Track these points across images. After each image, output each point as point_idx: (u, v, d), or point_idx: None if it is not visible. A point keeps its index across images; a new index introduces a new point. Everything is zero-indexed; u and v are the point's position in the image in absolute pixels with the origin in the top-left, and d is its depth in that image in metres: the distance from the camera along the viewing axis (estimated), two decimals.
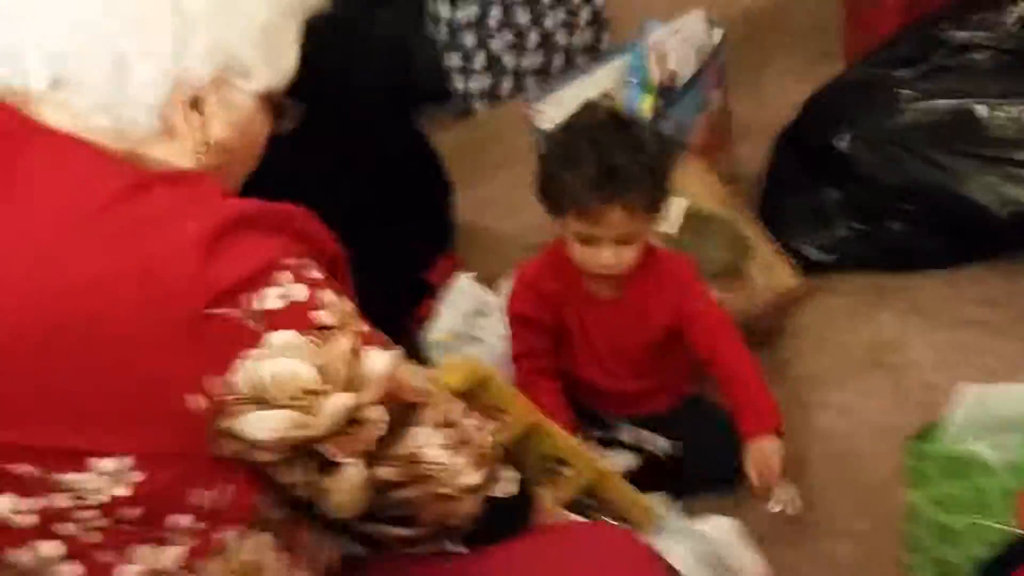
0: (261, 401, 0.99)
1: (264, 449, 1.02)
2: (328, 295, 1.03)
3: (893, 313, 2.32)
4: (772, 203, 2.50)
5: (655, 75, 2.43)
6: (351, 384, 1.03)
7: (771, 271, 2.26)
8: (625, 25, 3.10)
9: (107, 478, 0.97)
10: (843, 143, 2.41)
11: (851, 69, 2.61)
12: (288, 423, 1.00)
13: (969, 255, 2.38)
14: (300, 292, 1.00)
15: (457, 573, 1.26)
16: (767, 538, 1.93)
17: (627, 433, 1.99)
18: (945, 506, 1.44)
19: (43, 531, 1.00)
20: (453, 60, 2.99)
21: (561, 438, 1.70)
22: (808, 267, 2.34)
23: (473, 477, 1.19)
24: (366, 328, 1.07)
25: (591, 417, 2.01)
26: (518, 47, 3.05)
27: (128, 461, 0.97)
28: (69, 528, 1.00)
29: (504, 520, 1.25)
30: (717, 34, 2.50)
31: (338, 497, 1.09)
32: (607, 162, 1.76)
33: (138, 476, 0.98)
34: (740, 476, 1.97)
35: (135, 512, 1.00)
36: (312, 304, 1.01)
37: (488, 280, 2.31)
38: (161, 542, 1.02)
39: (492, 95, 3.07)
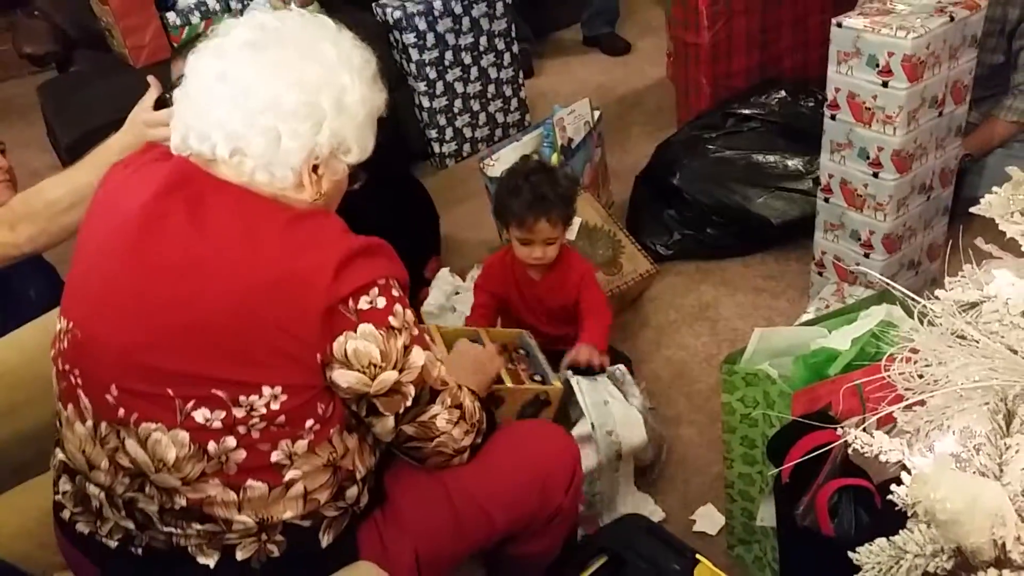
0: (346, 364, 1.02)
1: (342, 391, 1.04)
2: (397, 307, 1.05)
3: (710, 285, 2.33)
4: (635, 219, 2.50)
5: (560, 140, 2.42)
6: (398, 366, 1.05)
7: (635, 261, 2.26)
8: (541, 108, 3.10)
9: (267, 398, 1.00)
10: (676, 179, 2.41)
11: (679, 133, 2.60)
12: (356, 380, 1.03)
13: (756, 247, 2.40)
14: (381, 302, 1.03)
15: None
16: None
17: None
18: (746, 403, 1.45)
19: (225, 431, 1.01)
20: (432, 134, 2.96)
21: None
22: (657, 258, 2.34)
23: (465, 442, 1.18)
24: (416, 332, 1.08)
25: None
26: (473, 124, 3.03)
27: (279, 389, 1.00)
28: (240, 429, 1.01)
29: (481, 447, 1.23)
30: (596, 113, 2.49)
31: (377, 430, 1.11)
32: (537, 191, 1.78)
33: (284, 397, 1.01)
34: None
35: (281, 418, 1.02)
36: (387, 311, 1.04)
37: (460, 272, 2.30)
38: (295, 437, 1.04)
39: (458, 155, 3.04)
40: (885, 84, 1.75)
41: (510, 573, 1.38)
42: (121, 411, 1.03)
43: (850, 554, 0.84)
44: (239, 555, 1.07)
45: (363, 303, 1.01)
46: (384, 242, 1.07)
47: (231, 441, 1.01)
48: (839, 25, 1.79)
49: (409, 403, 1.09)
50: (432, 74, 2.86)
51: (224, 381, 0.99)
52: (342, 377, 1.03)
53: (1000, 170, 1.07)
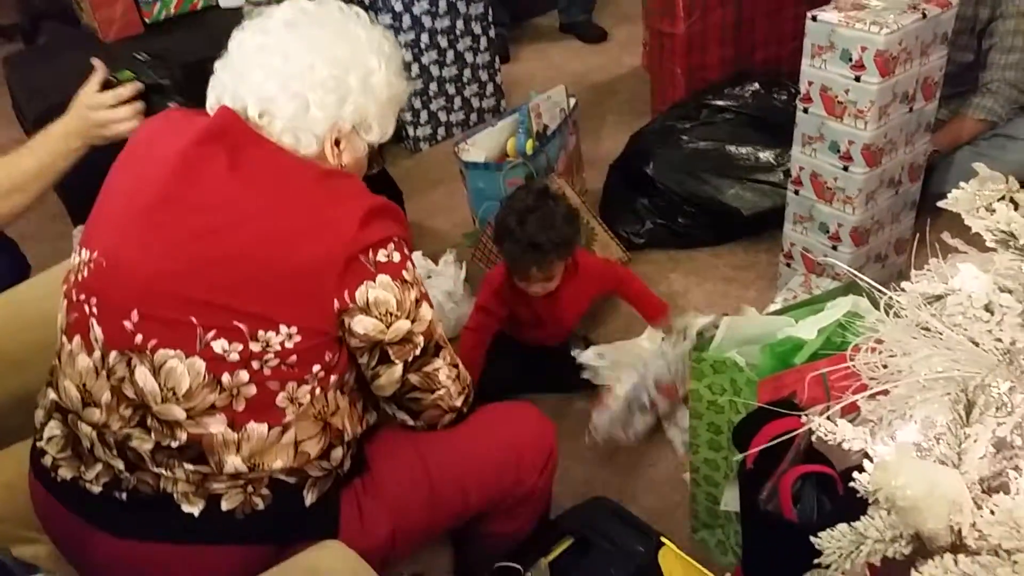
0: (365, 311, 1.08)
1: (356, 338, 1.10)
2: (410, 264, 1.12)
3: (680, 274, 2.35)
4: (608, 207, 2.50)
5: (535, 126, 2.42)
6: (411, 317, 1.11)
7: (607, 249, 2.27)
8: (517, 94, 3.10)
9: (283, 336, 1.04)
10: (649, 169, 2.42)
11: (654, 122, 2.61)
12: (373, 327, 1.09)
13: (726, 238, 2.41)
14: (396, 257, 1.10)
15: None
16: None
17: None
18: (713, 390, 1.46)
19: (240, 364, 1.04)
20: (407, 117, 2.94)
21: None
22: (629, 247, 2.36)
23: (458, 402, 1.23)
24: (424, 290, 1.16)
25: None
26: (448, 108, 3.01)
27: (295, 329, 1.04)
28: (255, 364, 1.04)
29: (463, 419, 1.27)
30: (572, 101, 2.49)
31: (382, 381, 1.15)
32: (532, 239, 1.75)
33: (299, 338, 1.06)
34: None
35: (293, 358, 1.05)
36: (401, 266, 1.10)
37: (433, 256, 2.29)
38: (301, 381, 1.08)
39: (432, 139, 3.02)
40: (857, 79, 1.77)
41: (478, 552, 1.39)
42: (139, 337, 1.05)
43: (812, 539, 0.86)
44: (224, 505, 1.09)
45: (381, 256, 1.08)
46: (396, 205, 1.14)
47: (244, 375, 1.05)
48: (814, 19, 1.80)
49: (418, 352, 1.14)
50: (408, 56, 2.84)
51: (246, 314, 1.03)
52: (360, 324, 1.08)
53: (967, 166, 1.09)
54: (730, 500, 1.44)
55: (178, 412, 1.05)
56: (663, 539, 1.29)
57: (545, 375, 1.99)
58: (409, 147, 3.00)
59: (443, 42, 2.90)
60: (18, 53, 3.09)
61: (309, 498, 1.14)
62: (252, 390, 1.05)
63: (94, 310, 1.09)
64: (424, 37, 2.85)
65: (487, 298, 1.93)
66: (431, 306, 1.15)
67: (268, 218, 1.05)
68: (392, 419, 1.25)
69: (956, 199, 0.98)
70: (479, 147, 2.38)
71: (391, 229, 1.10)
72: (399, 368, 1.14)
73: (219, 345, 1.03)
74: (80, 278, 1.11)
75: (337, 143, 1.14)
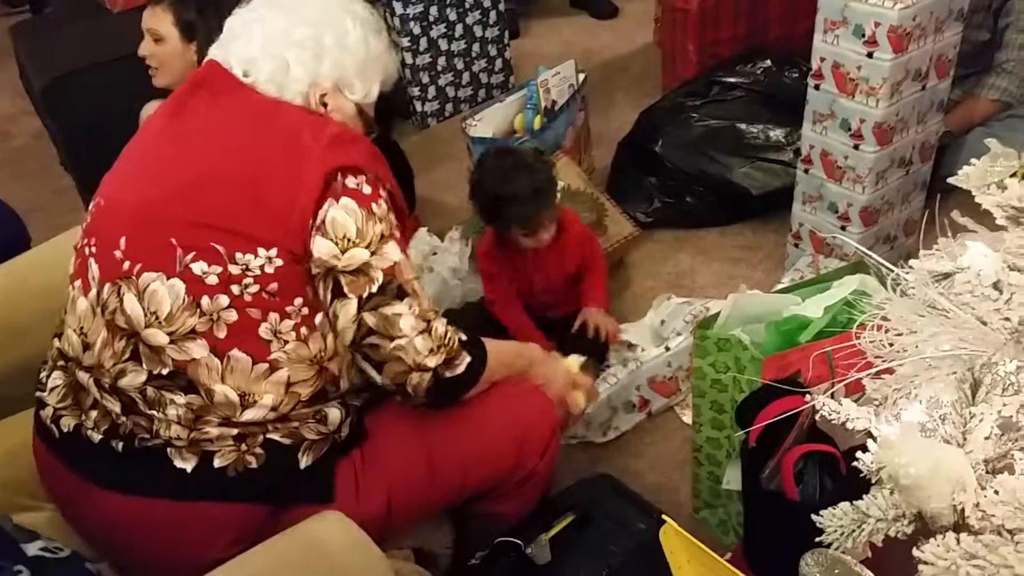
0: (322, 231, 1.08)
1: (315, 265, 1.09)
2: (382, 202, 1.12)
3: (687, 254, 2.33)
4: (616, 184, 2.48)
5: (543, 102, 2.40)
6: (371, 248, 1.09)
7: (619, 223, 2.25)
8: (526, 70, 3.06)
9: (262, 260, 1.06)
10: (658, 147, 2.39)
11: (663, 100, 2.58)
12: (328, 250, 1.09)
13: (735, 218, 2.39)
14: (367, 189, 1.12)
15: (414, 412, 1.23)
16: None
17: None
18: (717, 368, 1.44)
19: (220, 288, 1.05)
20: (414, 92, 2.92)
21: None
22: (636, 225, 2.33)
23: (428, 360, 1.12)
24: (398, 235, 1.13)
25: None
26: (456, 84, 2.99)
27: (274, 252, 1.06)
28: (234, 289, 1.05)
29: (452, 390, 1.18)
30: (581, 76, 2.46)
31: (341, 322, 1.11)
32: (533, 185, 1.74)
33: (279, 263, 1.06)
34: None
35: (274, 286, 1.06)
36: (371, 198, 1.11)
37: (439, 233, 2.27)
38: (283, 314, 1.08)
39: (440, 114, 3.01)
40: (870, 55, 1.74)
41: (477, 530, 1.39)
42: (126, 264, 1.09)
43: (814, 517, 0.85)
44: (217, 462, 1.09)
45: (351, 181, 1.10)
46: (373, 145, 1.18)
47: (224, 299, 1.06)
48: None
49: (374, 289, 1.10)
50: (416, 29, 2.82)
51: (224, 232, 1.06)
52: (317, 246, 1.08)
53: (979, 148, 1.07)
54: (732, 479, 1.43)
55: (161, 337, 1.07)
56: (664, 516, 1.28)
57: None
58: (416, 123, 2.98)
59: (452, 15, 2.87)
60: (25, 23, 3.07)
61: (304, 461, 1.14)
62: (232, 316, 1.06)
63: (93, 249, 1.13)
64: (433, 10, 2.82)
65: (487, 264, 1.92)
66: (403, 252, 1.11)
67: (244, 137, 1.11)
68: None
69: (967, 175, 0.96)
70: (487, 123, 2.36)
71: (368, 164, 1.13)
72: (353, 304, 1.08)
73: (198, 267, 1.06)
74: (84, 226, 1.18)
75: (325, 105, 1.19)
